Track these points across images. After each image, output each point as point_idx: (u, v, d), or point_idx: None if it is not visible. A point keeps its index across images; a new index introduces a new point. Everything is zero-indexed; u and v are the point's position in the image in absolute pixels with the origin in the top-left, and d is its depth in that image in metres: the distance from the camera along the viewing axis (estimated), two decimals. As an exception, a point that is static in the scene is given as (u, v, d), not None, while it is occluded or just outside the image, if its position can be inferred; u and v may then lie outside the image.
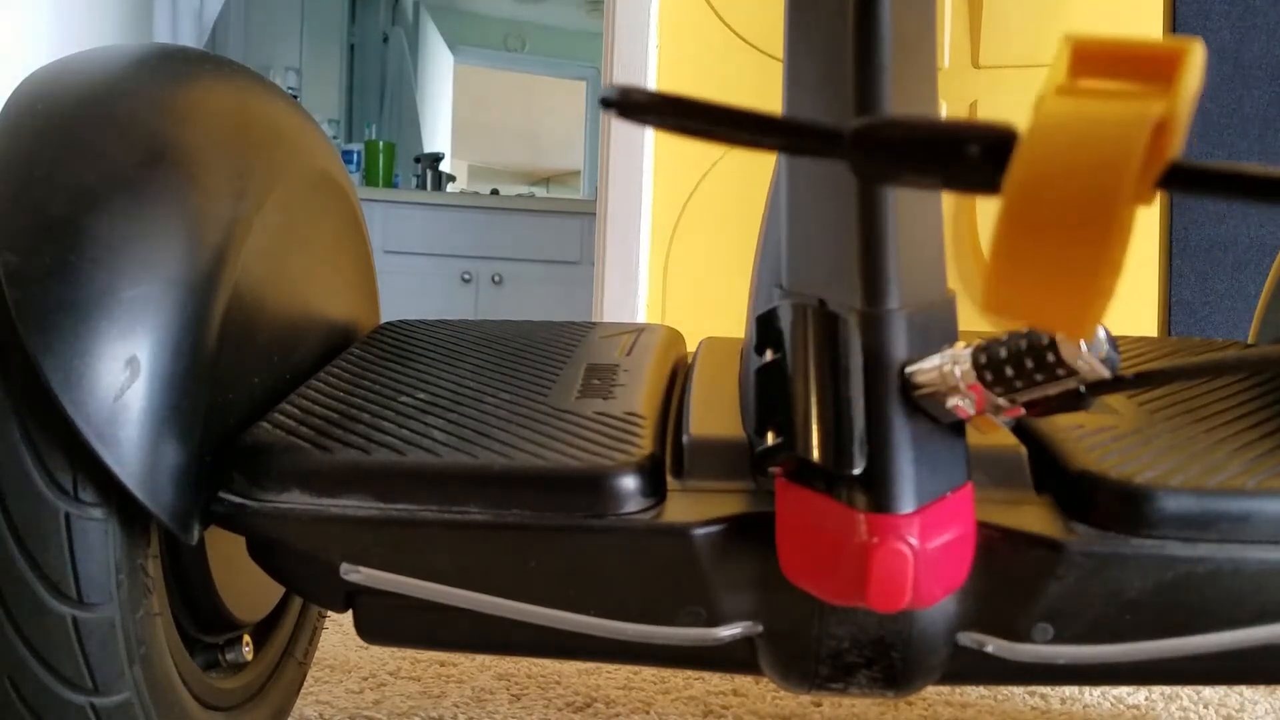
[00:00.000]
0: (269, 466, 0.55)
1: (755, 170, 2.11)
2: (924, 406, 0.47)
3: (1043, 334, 0.44)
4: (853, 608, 0.52)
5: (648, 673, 1.08)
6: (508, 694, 0.99)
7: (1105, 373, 0.44)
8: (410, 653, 1.12)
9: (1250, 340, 0.83)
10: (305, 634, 0.82)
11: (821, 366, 0.48)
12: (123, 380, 0.51)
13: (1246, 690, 1.10)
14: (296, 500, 0.55)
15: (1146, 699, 1.06)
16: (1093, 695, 1.07)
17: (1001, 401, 0.46)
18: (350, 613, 0.62)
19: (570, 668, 1.09)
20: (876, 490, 0.45)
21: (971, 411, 0.46)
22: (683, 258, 2.16)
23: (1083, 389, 0.45)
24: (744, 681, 1.06)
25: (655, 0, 2.15)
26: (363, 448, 0.56)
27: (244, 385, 0.61)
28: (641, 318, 2.15)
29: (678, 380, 0.70)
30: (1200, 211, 1.60)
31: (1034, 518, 0.52)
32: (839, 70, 0.49)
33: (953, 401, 0.46)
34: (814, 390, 0.48)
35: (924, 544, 0.45)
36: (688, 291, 2.16)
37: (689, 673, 1.08)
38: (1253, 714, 1.02)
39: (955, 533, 0.47)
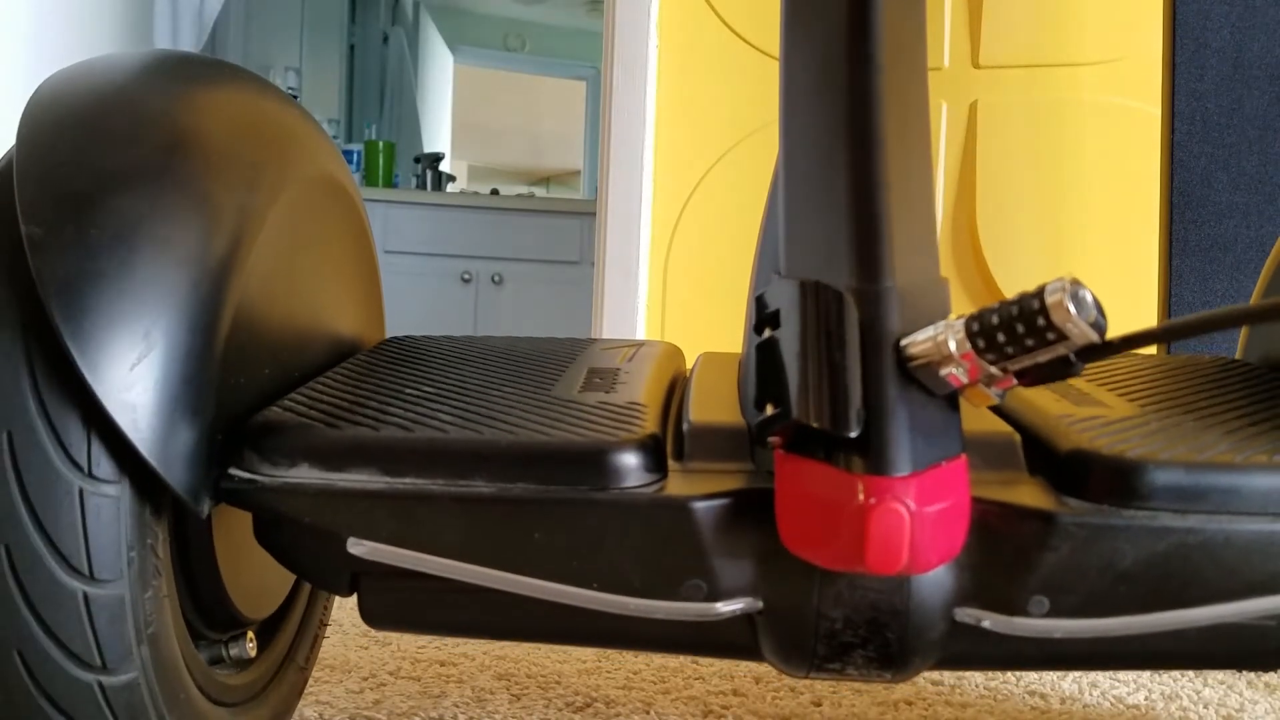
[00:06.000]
0: (279, 443, 0.57)
1: (755, 170, 2.11)
2: (918, 378, 0.48)
3: (1034, 298, 0.45)
4: (851, 583, 0.53)
5: (648, 673, 1.08)
6: (508, 694, 0.99)
7: (1094, 336, 0.45)
8: (410, 653, 1.12)
9: (1238, 355, 0.84)
10: (307, 639, 0.82)
11: (818, 338, 0.49)
12: (139, 350, 0.53)
13: (1246, 690, 1.10)
14: (305, 475, 0.56)
15: (1146, 699, 1.06)
16: (1092, 695, 1.07)
17: (994, 370, 0.47)
18: (353, 611, 0.62)
19: (570, 668, 1.09)
20: (873, 454, 0.47)
21: (965, 380, 0.47)
22: (683, 258, 2.16)
23: (1073, 356, 0.46)
24: (744, 682, 1.06)
25: (655, 0, 2.15)
26: (371, 426, 0.58)
27: (254, 372, 0.62)
28: (641, 318, 2.16)
29: (677, 388, 0.71)
30: (1200, 211, 1.60)
31: (1027, 493, 0.54)
32: (834, 71, 0.51)
33: (946, 370, 0.47)
34: (811, 360, 0.49)
35: (920, 507, 0.46)
36: (688, 291, 2.16)
37: (689, 673, 1.08)
38: (1252, 714, 1.02)
39: (950, 501, 0.48)
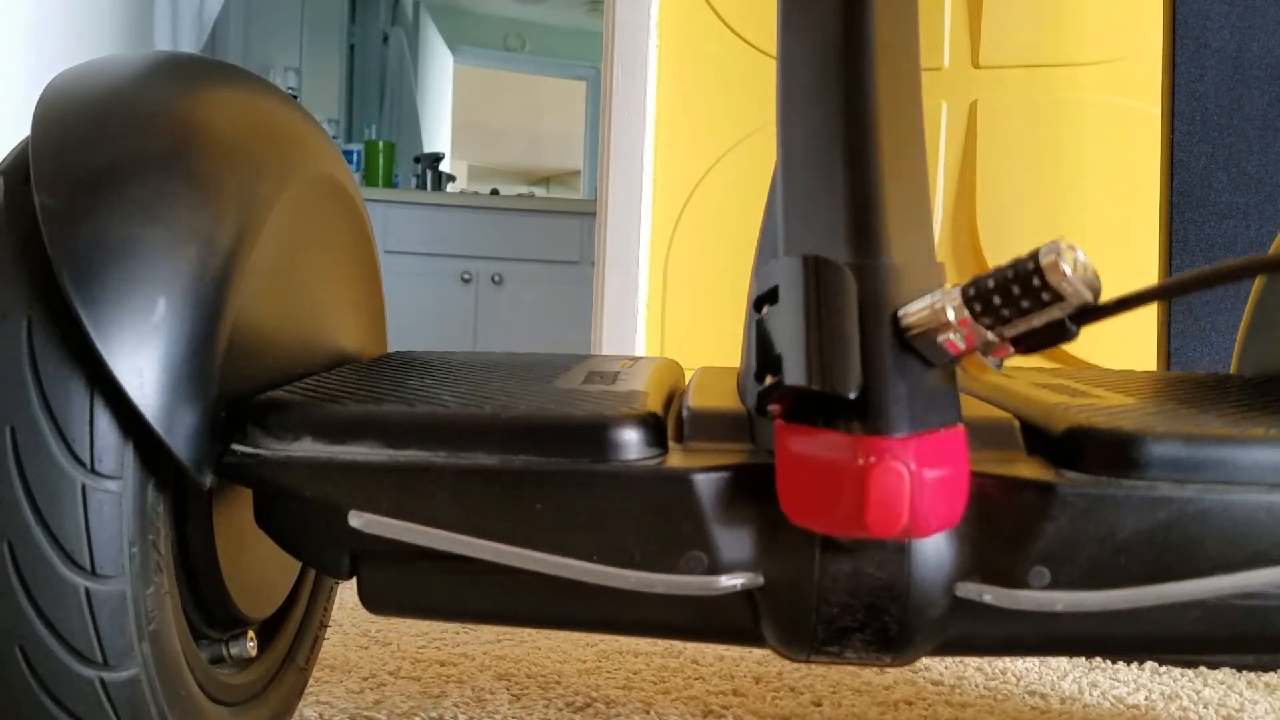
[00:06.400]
0: (282, 417, 0.58)
1: (755, 170, 2.11)
2: (917, 347, 0.49)
3: (1028, 260, 0.46)
4: (851, 557, 0.53)
5: (648, 673, 1.08)
6: (508, 694, 0.99)
7: (1088, 295, 0.46)
8: (410, 653, 1.12)
9: (1232, 370, 0.85)
10: (308, 639, 0.82)
11: (817, 306, 0.50)
12: (148, 317, 0.54)
13: (1246, 690, 1.10)
14: (308, 448, 0.57)
15: (1146, 699, 1.06)
16: (1093, 695, 1.07)
17: (991, 336, 0.47)
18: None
19: (570, 668, 1.09)
20: (872, 416, 0.47)
21: (962, 346, 0.48)
22: (683, 258, 2.16)
23: (1068, 320, 0.46)
24: (744, 682, 1.06)
25: (655, 0, 2.15)
26: (374, 402, 0.59)
27: (256, 362, 0.63)
28: (641, 318, 2.16)
29: (675, 398, 0.72)
30: (1200, 211, 1.60)
31: (1026, 468, 0.55)
32: (830, 58, 0.54)
33: (944, 337, 0.48)
34: (810, 326, 0.50)
35: (920, 468, 0.47)
36: (688, 291, 2.16)
37: (689, 673, 1.08)
38: (1252, 714, 1.02)
39: (949, 466, 0.48)
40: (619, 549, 0.55)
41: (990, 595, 0.53)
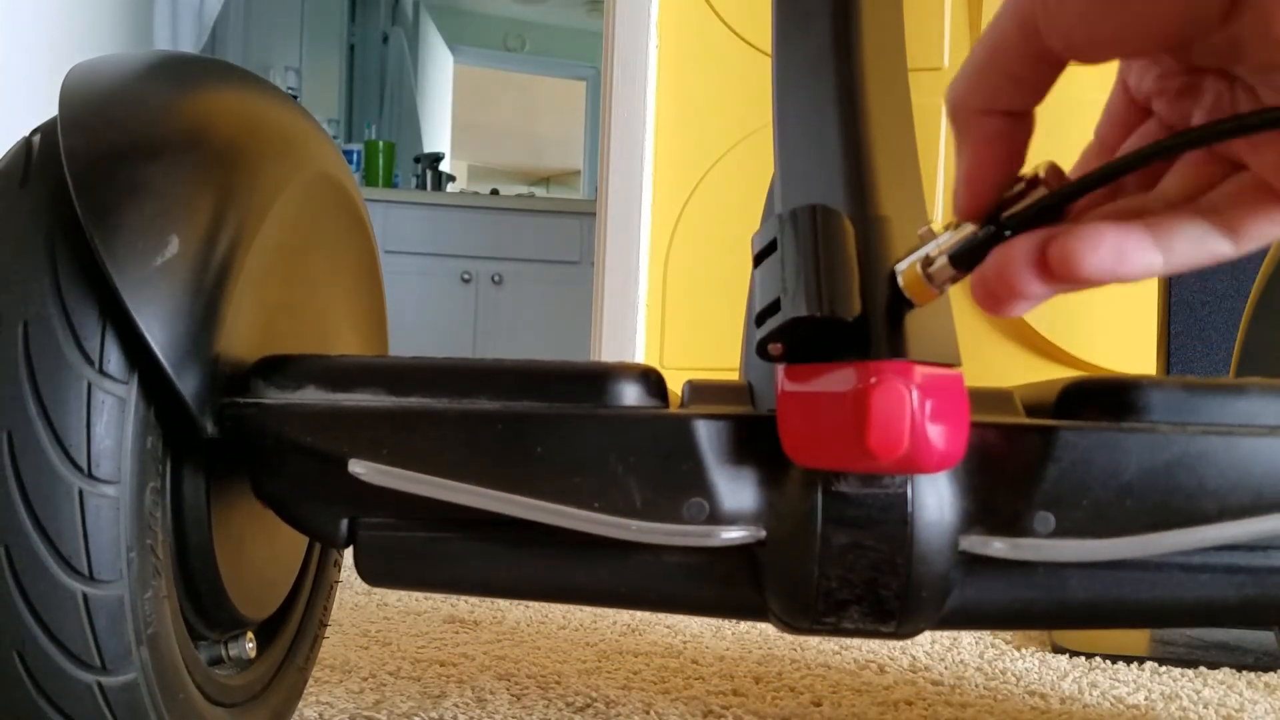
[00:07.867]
0: (286, 368, 0.59)
1: (755, 170, 2.11)
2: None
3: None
4: (853, 505, 0.53)
5: (648, 673, 1.08)
6: (508, 694, 0.99)
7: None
8: (410, 653, 1.12)
9: (1231, 373, 0.85)
10: (307, 639, 0.82)
11: (815, 243, 0.51)
12: (161, 252, 0.54)
13: (1246, 690, 1.10)
14: (310, 396, 0.58)
15: (1146, 699, 1.06)
16: (1092, 695, 1.07)
17: (929, 250, 0.45)
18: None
19: (570, 668, 1.09)
20: (874, 342, 0.48)
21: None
22: (683, 258, 2.16)
23: (1007, 230, 0.43)
24: (744, 682, 1.06)
25: (655, 0, 2.15)
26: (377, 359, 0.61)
27: (260, 339, 0.63)
28: (641, 318, 2.16)
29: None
30: (1200, 211, 1.60)
31: (1026, 419, 0.56)
32: (822, 68, 0.56)
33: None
34: (807, 260, 0.50)
35: (920, 393, 0.47)
36: (688, 291, 2.16)
37: (689, 673, 1.08)
38: (1252, 714, 1.02)
39: (949, 398, 0.48)
40: (620, 496, 0.55)
41: (996, 544, 0.53)
